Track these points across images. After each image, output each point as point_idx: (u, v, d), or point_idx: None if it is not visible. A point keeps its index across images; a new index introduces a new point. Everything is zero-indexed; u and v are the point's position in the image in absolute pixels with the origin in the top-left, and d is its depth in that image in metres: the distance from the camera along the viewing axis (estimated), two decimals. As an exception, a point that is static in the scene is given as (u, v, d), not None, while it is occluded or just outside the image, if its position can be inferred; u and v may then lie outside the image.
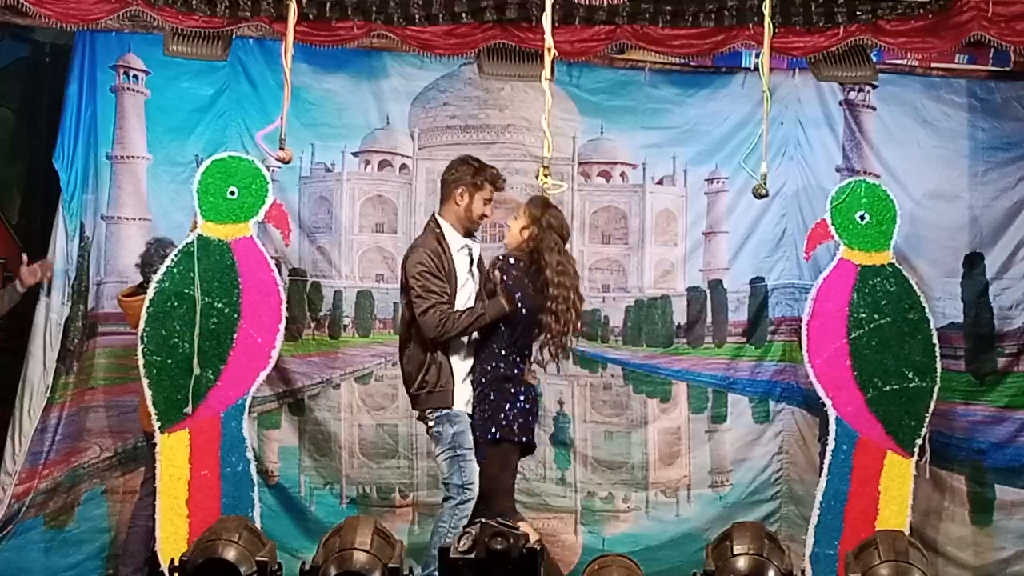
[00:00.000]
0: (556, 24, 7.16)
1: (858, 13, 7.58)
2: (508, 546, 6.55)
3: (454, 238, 7.68)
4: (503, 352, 7.53)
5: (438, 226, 7.69)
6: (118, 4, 7.61)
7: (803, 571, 7.41)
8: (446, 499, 7.53)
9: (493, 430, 7.49)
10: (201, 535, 6.83)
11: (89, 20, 7.64)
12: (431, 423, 7.59)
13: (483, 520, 6.83)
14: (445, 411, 7.53)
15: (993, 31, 7.57)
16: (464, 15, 7.66)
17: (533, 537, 7.20)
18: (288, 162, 7.87)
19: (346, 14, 7.66)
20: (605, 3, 7.63)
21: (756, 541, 6.68)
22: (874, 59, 7.99)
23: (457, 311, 7.51)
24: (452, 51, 7.92)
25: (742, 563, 6.54)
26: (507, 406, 7.49)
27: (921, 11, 7.57)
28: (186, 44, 7.79)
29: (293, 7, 7.27)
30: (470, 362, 7.61)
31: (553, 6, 7.02)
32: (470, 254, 7.75)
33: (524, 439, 7.57)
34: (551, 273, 7.49)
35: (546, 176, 7.00)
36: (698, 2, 7.64)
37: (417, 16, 7.66)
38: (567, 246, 7.68)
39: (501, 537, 6.59)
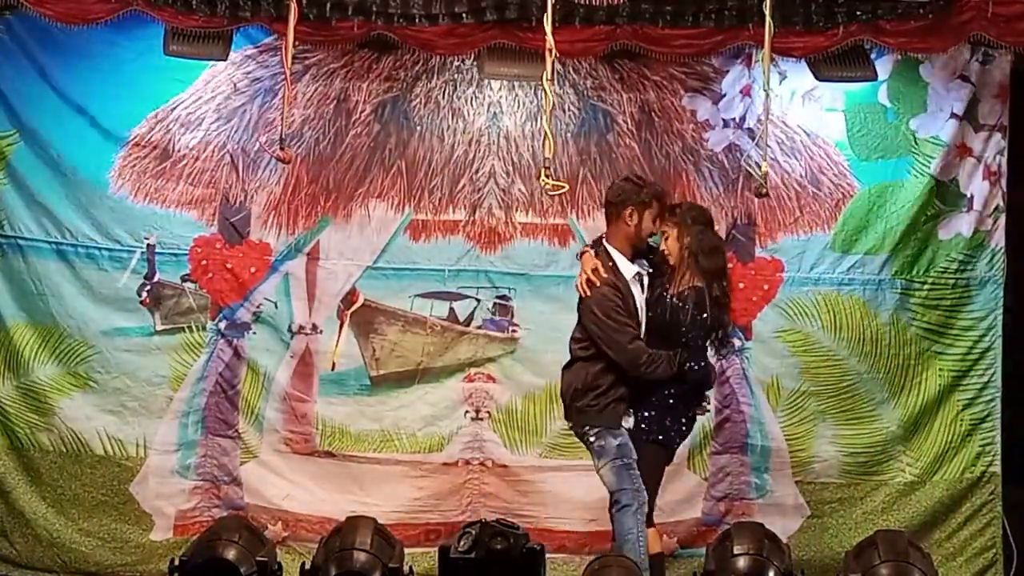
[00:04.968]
0: (556, 24, 7.14)
1: (858, 13, 7.61)
2: (508, 546, 6.58)
3: (626, 266, 7.55)
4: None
5: (609, 257, 7.54)
6: (118, 4, 7.64)
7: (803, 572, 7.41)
8: (621, 508, 7.39)
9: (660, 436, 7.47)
10: (201, 535, 6.89)
11: (89, 20, 7.67)
12: (592, 438, 7.47)
13: (483, 520, 6.87)
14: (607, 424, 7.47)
15: (993, 31, 7.59)
16: (464, 15, 7.67)
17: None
18: (288, 162, 7.89)
19: (346, 14, 7.68)
20: (605, 3, 7.65)
21: (756, 541, 6.71)
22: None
23: (659, 353, 7.40)
24: (452, 51, 7.96)
25: (742, 563, 6.57)
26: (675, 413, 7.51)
27: (921, 11, 7.59)
28: (186, 44, 7.84)
29: (293, 7, 7.29)
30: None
31: (553, 6, 7.03)
32: (641, 281, 7.60)
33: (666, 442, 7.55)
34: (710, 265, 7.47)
35: (547, 177, 7.00)
36: (698, 2, 7.66)
37: (417, 16, 7.68)
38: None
39: (501, 537, 6.62)
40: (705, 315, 7.42)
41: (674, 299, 7.46)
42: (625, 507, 7.35)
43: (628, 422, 7.49)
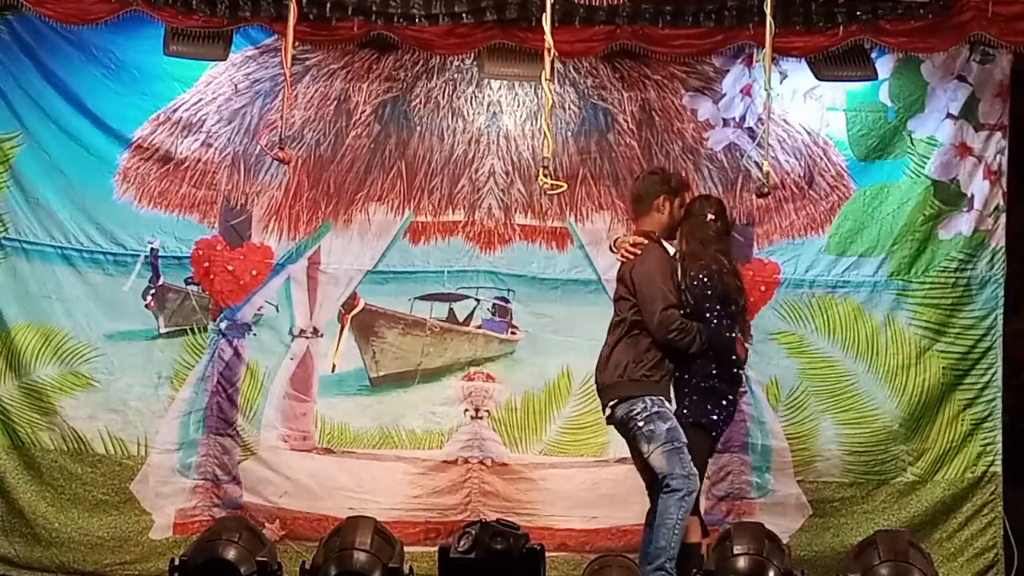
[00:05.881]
0: (556, 24, 7.16)
1: (858, 13, 7.61)
2: (508, 546, 6.60)
3: (667, 245, 7.57)
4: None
5: (648, 237, 7.54)
6: (118, 4, 7.64)
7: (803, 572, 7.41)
8: (670, 491, 7.24)
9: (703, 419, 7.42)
10: (201, 535, 6.90)
11: (89, 20, 7.67)
12: (641, 423, 7.30)
13: (483, 520, 6.88)
14: (656, 409, 7.30)
15: (993, 31, 7.60)
16: (464, 15, 7.67)
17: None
18: (289, 163, 7.88)
19: (346, 14, 7.68)
20: (605, 3, 7.65)
21: (756, 541, 6.73)
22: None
23: (691, 324, 7.35)
24: (452, 51, 7.96)
25: (742, 563, 6.59)
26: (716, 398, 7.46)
27: (921, 11, 7.59)
28: (186, 44, 7.85)
29: (293, 7, 7.30)
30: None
31: (553, 6, 7.04)
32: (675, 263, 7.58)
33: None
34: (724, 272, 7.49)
35: (545, 177, 7.01)
36: (698, 2, 7.66)
37: (417, 16, 7.68)
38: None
39: (501, 537, 6.63)
40: (717, 287, 7.41)
41: (688, 282, 7.45)
42: (673, 491, 7.19)
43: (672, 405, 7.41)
